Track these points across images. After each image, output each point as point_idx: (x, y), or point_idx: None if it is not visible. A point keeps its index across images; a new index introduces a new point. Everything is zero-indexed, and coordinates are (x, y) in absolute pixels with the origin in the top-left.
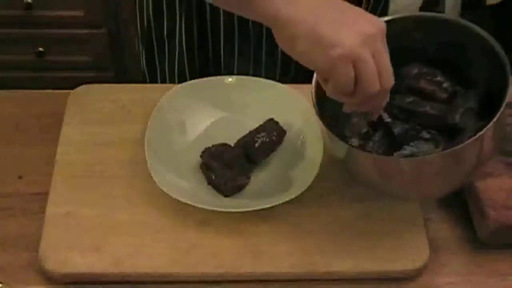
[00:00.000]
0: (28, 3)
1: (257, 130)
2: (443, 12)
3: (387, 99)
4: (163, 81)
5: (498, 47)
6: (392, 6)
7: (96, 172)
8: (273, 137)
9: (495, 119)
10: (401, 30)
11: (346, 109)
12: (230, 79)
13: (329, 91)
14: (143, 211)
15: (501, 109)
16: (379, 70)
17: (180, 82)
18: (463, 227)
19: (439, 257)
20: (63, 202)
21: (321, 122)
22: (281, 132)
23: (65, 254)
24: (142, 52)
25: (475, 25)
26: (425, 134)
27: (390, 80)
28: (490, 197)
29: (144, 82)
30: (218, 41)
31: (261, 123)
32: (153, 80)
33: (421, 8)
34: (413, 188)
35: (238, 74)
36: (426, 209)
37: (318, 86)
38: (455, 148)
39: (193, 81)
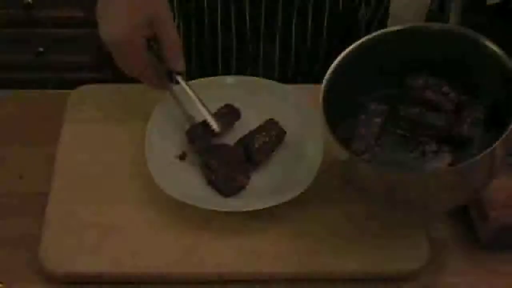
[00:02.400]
0: (28, 3)
1: (257, 130)
2: (447, 21)
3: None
4: None
5: (505, 57)
6: (393, 5)
7: (96, 172)
8: (273, 137)
9: (507, 132)
10: (407, 41)
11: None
12: (230, 79)
13: None
14: (143, 211)
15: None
16: None
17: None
18: (463, 227)
19: (439, 257)
20: (63, 202)
21: (327, 130)
22: (281, 132)
23: (65, 254)
24: None
25: (482, 35)
26: (433, 147)
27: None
28: (490, 197)
29: (130, 80)
30: (216, 42)
31: (261, 123)
32: None
33: (427, 18)
34: (420, 204)
35: (236, 74)
36: None
37: (326, 96)
38: (467, 162)
39: (193, 81)
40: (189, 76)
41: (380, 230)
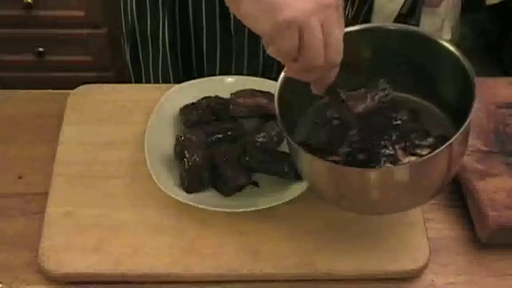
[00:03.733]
0: (28, 3)
1: (257, 130)
2: (417, 23)
3: (333, 77)
4: (148, 81)
5: (461, 57)
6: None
7: (96, 172)
8: (273, 137)
9: (461, 130)
10: (370, 42)
11: (287, 73)
12: (230, 79)
13: (271, 53)
14: (143, 211)
15: (467, 122)
16: (326, 42)
17: (164, 82)
18: (463, 227)
19: (439, 257)
20: (63, 202)
21: (284, 131)
22: (281, 132)
23: (65, 254)
24: (127, 51)
25: (443, 39)
26: (388, 151)
27: (336, 56)
28: (490, 197)
29: (130, 81)
30: (200, 44)
31: (261, 123)
32: (139, 79)
33: (396, 19)
34: (381, 202)
35: (220, 75)
36: (426, 209)
37: (281, 95)
38: (424, 158)
39: (192, 81)
40: (173, 76)
41: (380, 230)
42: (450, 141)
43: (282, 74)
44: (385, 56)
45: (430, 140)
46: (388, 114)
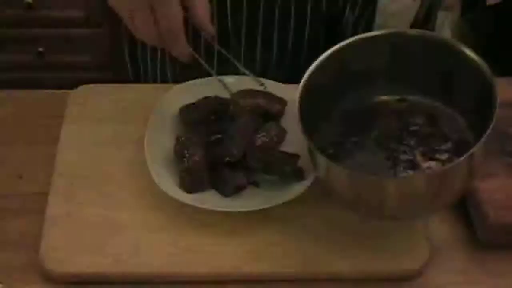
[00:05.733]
0: (28, 3)
1: (257, 130)
2: (433, 29)
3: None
4: (146, 80)
5: (481, 63)
6: (378, 16)
7: (96, 172)
8: (273, 137)
9: (482, 139)
10: (389, 47)
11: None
12: (230, 79)
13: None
14: (143, 211)
15: (489, 130)
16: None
17: (162, 81)
18: (463, 227)
19: (439, 257)
20: (63, 202)
21: (303, 135)
22: (281, 132)
23: (65, 254)
24: (125, 49)
25: (464, 45)
26: (407, 156)
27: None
28: (490, 197)
29: (128, 80)
30: (198, 41)
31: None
32: (137, 78)
33: (412, 25)
34: (401, 209)
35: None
36: None
37: (302, 100)
38: (445, 167)
39: (192, 81)
40: (172, 75)
41: (379, 230)
42: (471, 151)
43: (303, 79)
44: (403, 61)
45: (449, 145)
46: (405, 119)
